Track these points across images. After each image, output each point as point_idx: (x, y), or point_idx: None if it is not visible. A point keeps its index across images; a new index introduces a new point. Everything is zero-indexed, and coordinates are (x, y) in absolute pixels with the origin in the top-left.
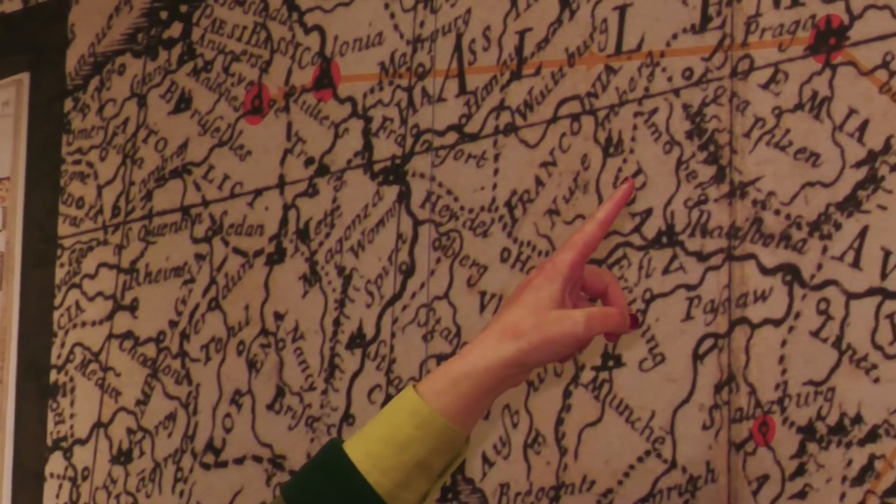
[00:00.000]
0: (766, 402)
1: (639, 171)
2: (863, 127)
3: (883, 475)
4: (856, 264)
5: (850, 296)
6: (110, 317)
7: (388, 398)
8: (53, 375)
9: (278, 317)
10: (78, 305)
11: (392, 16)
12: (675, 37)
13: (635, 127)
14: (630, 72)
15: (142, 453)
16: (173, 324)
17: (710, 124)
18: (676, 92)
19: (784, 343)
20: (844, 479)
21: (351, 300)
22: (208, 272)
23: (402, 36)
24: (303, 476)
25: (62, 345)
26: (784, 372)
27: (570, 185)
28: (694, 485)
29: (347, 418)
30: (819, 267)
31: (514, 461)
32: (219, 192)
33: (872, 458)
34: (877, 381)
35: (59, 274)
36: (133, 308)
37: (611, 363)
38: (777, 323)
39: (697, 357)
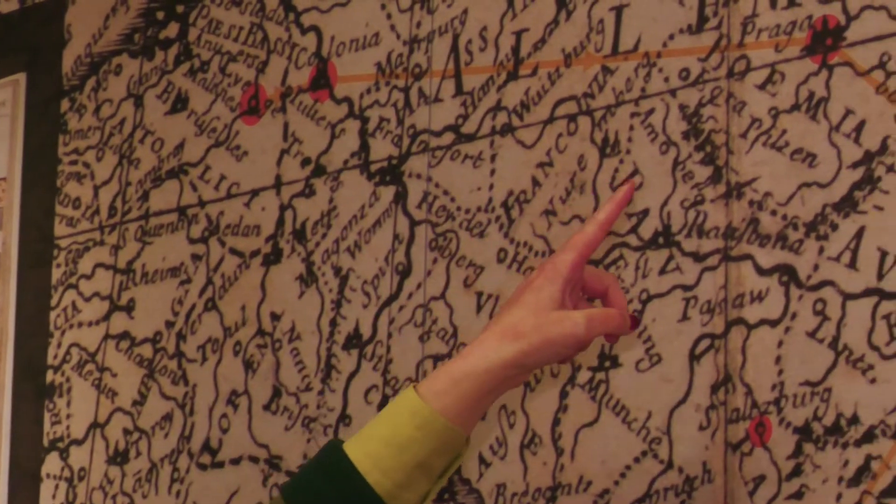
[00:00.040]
0: (763, 403)
1: (635, 172)
2: (859, 127)
3: (879, 476)
4: (852, 265)
5: (847, 296)
6: (107, 317)
7: (385, 399)
8: (50, 376)
9: (275, 317)
10: (74, 306)
11: (389, 16)
12: (671, 37)
13: (632, 127)
14: (627, 72)
15: (138, 454)
16: (170, 324)
17: (707, 125)
18: (673, 92)
19: (780, 343)
20: (841, 479)
21: (347, 301)
22: (205, 272)
23: (398, 36)
24: (302, 476)
25: (59, 345)
26: (780, 372)
27: (566, 186)
28: (690, 485)
29: (344, 419)
30: (815, 267)
31: (511, 462)
32: (215, 193)
33: (869, 458)
34: (873, 381)
35: (56, 274)
36: (129, 308)
37: (607, 364)
38: (773, 323)
39: (694, 357)
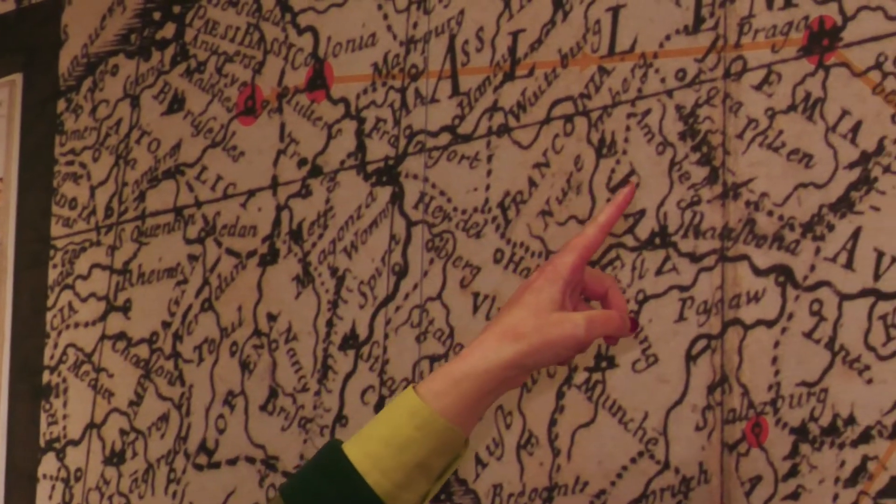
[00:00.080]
0: (759, 404)
1: (632, 173)
2: (856, 128)
3: (876, 476)
4: (849, 265)
5: (843, 297)
6: (103, 318)
7: (382, 399)
8: (46, 376)
9: (271, 318)
10: (71, 306)
11: (385, 17)
12: (668, 38)
13: (628, 128)
14: (623, 73)
15: (135, 454)
16: (166, 325)
17: (703, 125)
18: (669, 93)
19: (777, 344)
20: (837, 480)
21: (344, 301)
22: (201, 273)
23: (395, 37)
24: (302, 476)
25: (55, 346)
26: (777, 373)
27: (563, 187)
28: (687, 486)
29: (340, 419)
30: (812, 268)
31: (508, 462)
32: (212, 193)
33: (865, 459)
34: (870, 382)
35: (52, 275)
36: (126, 309)
37: (604, 364)
38: (770, 324)
39: (690, 358)
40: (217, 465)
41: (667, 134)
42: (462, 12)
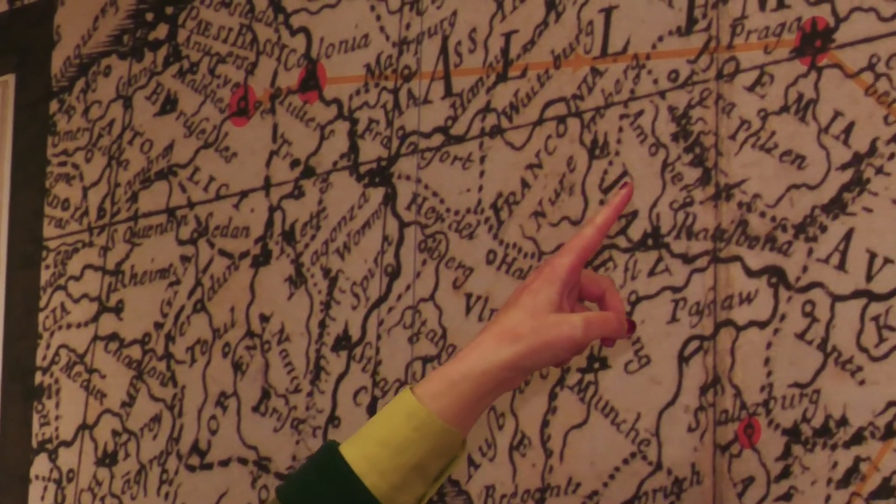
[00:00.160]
0: (752, 405)
1: (624, 174)
2: (848, 129)
3: (868, 477)
4: (841, 266)
5: (836, 298)
6: (95, 318)
7: (374, 400)
8: (38, 377)
9: (264, 319)
10: (63, 307)
11: (378, 18)
12: (660, 39)
13: (621, 129)
14: (616, 74)
15: (127, 455)
16: (158, 325)
17: (696, 126)
18: (662, 94)
19: (769, 345)
20: (830, 481)
21: (337, 302)
22: (194, 274)
23: (387, 38)
24: (298, 478)
25: (47, 346)
26: (769, 374)
27: (555, 188)
28: (679, 487)
29: (333, 420)
30: (804, 269)
31: (500, 463)
32: (204, 194)
33: (858, 460)
34: (862, 383)
35: (45, 276)
36: (118, 310)
37: (596, 365)
38: (762, 325)
39: (683, 359)
40: (209, 467)
41: (659, 135)
42: (455, 13)
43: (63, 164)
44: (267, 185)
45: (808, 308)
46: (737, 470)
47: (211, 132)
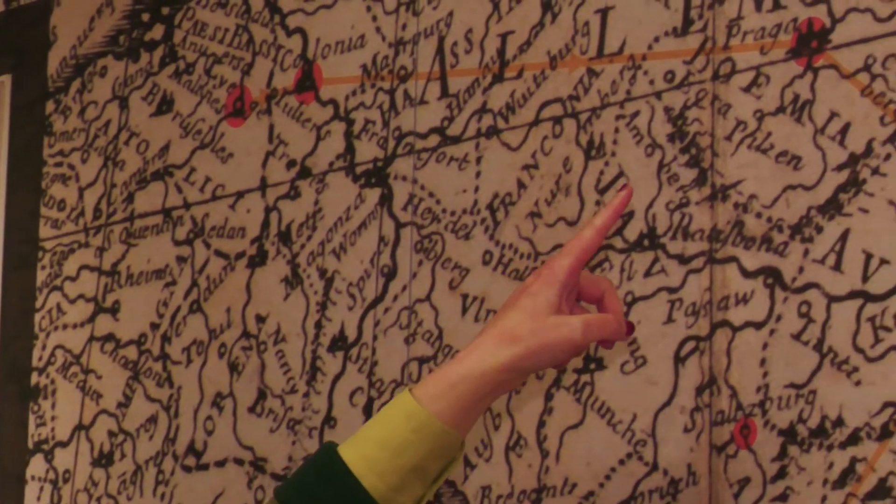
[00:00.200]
0: (748, 405)
1: (620, 174)
2: (844, 130)
3: (864, 478)
4: (837, 267)
5: (832, 299)
6: (91, 319)
7: (370, 401)
8: (34, 378)
9: (260, 319)
10: (59, 308)
11: (374, 18)
12: (656, 40)
13: (617, 130)
14: (612, 75)
15: (123, 456)
16: (154, 326)
17: (692, 127)
18: (658, 95)
19: (765, 346)
20: (826, 481)
21: (333, 303)
22: (190, 274)
23: (384, 38)
24: (297, 479)
25: (43, 347)
26: (765, 375)
27: (551, 188)
28: (675, 487)
29: (329, 421)
30: (800, 270)
31: (496, 464)
32: (200, 195)
33: (854, 460)
34: (858, 384)
35: (41, 276)
36: (114, 310)
37: (592, 366)
38: (758, 326)
39: (679, 360)
40: (205, 467)
41: (655, 136)
42: (451, 14)
43: (59, 164)
44: (263, 186)
45: (804, 309)
46: (733, 471)
47: (207, 133)
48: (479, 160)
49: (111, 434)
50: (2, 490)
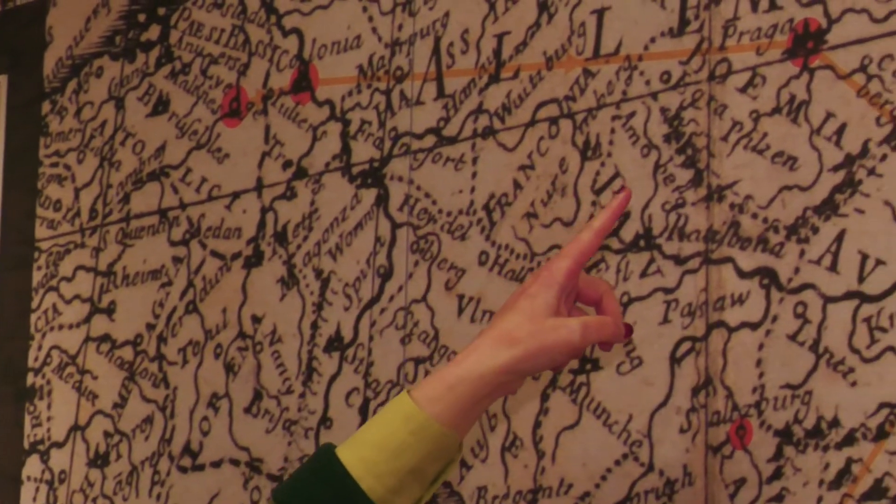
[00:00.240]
0: (744, 406)
1: (616, 175)
2: (840, 131)
3: (860, 479)
4: (833, 268)
5: (828, 299)
6: (87, 320)
7: (366, 401)
8: (30, 378)
9: (256, 320)
10: (55, 308)
11: (370, 19)
12: (652, 40)
13: (613, 130)
14: (608, 75)
15: (119, 456)
16: (150, 327)
17: (688, 128)
18: (654, 95)
19: (761, 346)
20: (822, 482)
21: (329, 303)
22: (186, 275)
23: (380, 39)
24: (295, 481)
25: (39, 348)
26: (761, 375)
27: (548, 189)
28: (671, 488)
29: (325, 421)
30: (796, 270)
31: (492, 465)
32: (196, 195)
33: (850, 461)
34: (854, 384)
35: (37, 277)
36: (110, 311)
37: (588, 366)
38: (754, 326)
39: (675, 360)
40: (201, 468)
41: (651, 136)
42: (447, 14)
43: (55, 165)
44: (259, 187)
45: (799, 309)
46: (728, 471)
47: (203, 133)
48: (475, 161)
49: (107, 434)
50: None
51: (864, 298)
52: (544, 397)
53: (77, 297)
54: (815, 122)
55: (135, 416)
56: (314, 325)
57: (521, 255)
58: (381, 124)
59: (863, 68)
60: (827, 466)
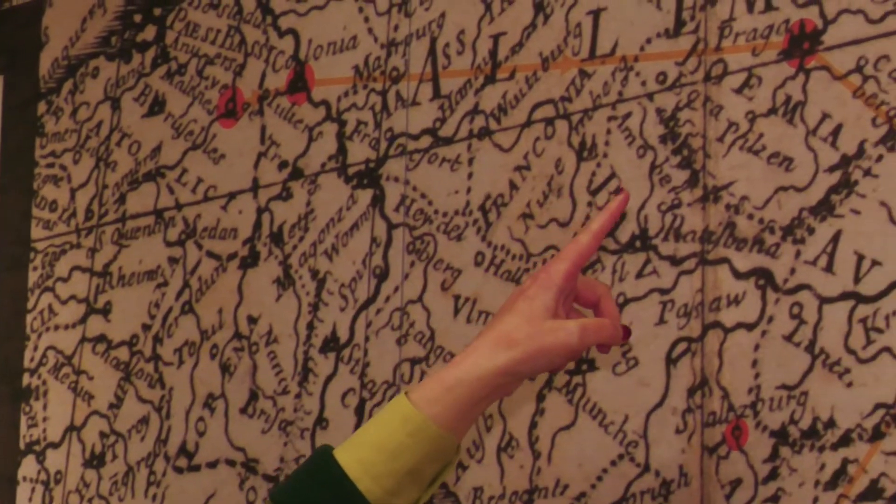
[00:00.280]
0: (739, 406)
1: (612, 176)
2: (836, 131)
3: (856, 479)
4: (829, 269)
5: (823, 300)
6: (83, 320)
7: (362, 402)
8: (26, 379)
9: (252, 320)
10: (51, 309)
11: (366, 19)
12: (648, 41)
13: (609, 131)
14: (604, 76)
15: (114, 457)
16: (146, 327)
17: (684, 129)
18: (650, 96)
19: (757, 347)
20: (817, 483)
21: (325, 304)
22: (181, 276)
23: (376, 39)
24: (292, 482)
25: (35, 348)
26: (757, 376)
27: (543, 189)
28: (667, 489)
29: (321, 422)
30: (792, 271)
31: (488, 465)
32: (192, 196)
33: (845, 462)
34: (850, 385)
35: (32, 277)
36: (106, 311)
37: (584, 367)
38: (750, 327)
39: (671, 361)
40: (197, 468)
41: (647, 137)
42: (443, 15)
43: (51, 165)
44: (255, 187)
45: (795, 310)
46: (724, 472)
47: (199, 134)
48: (471, 161)
49: (103, 435)
50: None
51: (860, 299)
52: (540, 398)
53: (73, 297)
54: (811, 123)
55: (131, 417)
56: (310, 326)
57: (517, 256)
58: (377, 125)
59: (859, 69)
60: (823, 467)
